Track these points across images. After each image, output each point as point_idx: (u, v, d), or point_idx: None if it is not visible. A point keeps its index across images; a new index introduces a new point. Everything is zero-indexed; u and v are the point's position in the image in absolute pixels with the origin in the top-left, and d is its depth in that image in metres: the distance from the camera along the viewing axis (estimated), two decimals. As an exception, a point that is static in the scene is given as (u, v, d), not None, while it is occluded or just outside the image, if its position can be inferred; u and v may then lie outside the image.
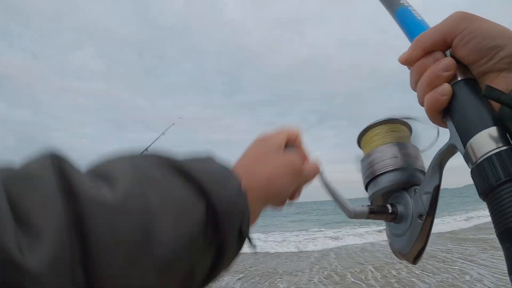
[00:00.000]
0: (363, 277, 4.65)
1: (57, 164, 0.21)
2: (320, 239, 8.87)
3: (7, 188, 0.18)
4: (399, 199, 0.39)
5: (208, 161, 0.31)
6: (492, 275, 4.16)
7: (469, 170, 0.29)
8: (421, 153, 0.42)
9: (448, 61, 0.32)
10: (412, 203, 0.37)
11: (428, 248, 0.38)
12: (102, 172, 0.23)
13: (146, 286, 0.22)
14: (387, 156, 0.41)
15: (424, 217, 0.35)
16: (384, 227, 0.42)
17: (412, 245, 0.36)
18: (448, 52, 0.33)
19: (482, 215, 10.62)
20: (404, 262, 0.40)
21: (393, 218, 0.39)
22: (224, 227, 0.27)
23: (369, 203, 0.42)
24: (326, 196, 0.43)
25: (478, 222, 9.67)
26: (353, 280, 4.54)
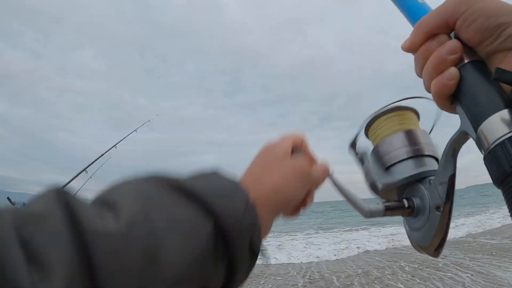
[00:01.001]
0: None
1: (62, 200, 0.22)
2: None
3: (18, 228, 0.19)
4: (414, 191, 0.38)
5: (213, 177, 0.31)
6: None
7: (482, 157, 0.28)
8: (431, 137, 0.42)
9: (453, 43, 0.31)
10: (428, 194, 0.36)
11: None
12: (106, 200, 0.24)
13: None
14: (397, 146, 0.40)
15: (441, 208, 0.34)
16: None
17: (432, 237, 0.36)
18: (452, 34, 0.32)
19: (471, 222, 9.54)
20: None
21: (411, 212, 0.38)
22: (234, 242, 0.27)
23: (381, 197, 0.42)
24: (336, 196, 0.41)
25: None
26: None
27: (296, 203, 0.38)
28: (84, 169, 3.65)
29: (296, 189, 0.37)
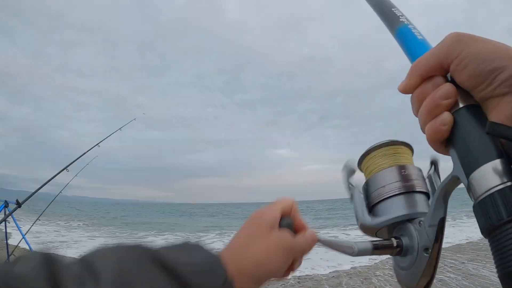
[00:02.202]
0: None
1: (45, 265, 0.23)
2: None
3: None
4: (403, 231, 0.38)
5: (194, 251, 0.32)
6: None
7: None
8: (423, 172, 0.41)
9: (447, 88, 0.30)
10: (417, 235, 0.36)
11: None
12: (90, 265, 0.25)
13: None
14: (388, 181, 0.40)
15: (430, 250, 0.34)
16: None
17: (419, 278, 0.35)
18: (449, 75, 0.31)
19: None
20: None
21: (399, 252, 0.38)
22: None
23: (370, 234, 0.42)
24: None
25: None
26: None
27: (278, 274, 0.39)
28: (65, 168, 3.58)
29: (278, 263, 0.38)
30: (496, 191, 0.25)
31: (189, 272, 0.28)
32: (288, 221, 0.41)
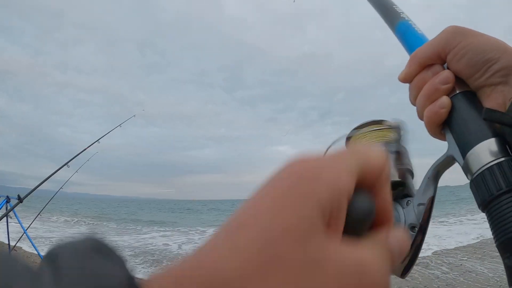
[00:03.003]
0: None
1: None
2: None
3: None
4: None
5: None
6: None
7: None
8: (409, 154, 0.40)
9: (446, 74, 0.32)
10: (404, 214, 0.36)
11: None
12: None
13: None
14: None
15: (416, 229, 0.34)
16: None
17: (406, 255, 0.34)
18: (446, 65, 0.33)
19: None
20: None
21: None
22: None
23: None
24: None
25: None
26: None
27: None
28: (66, 163, 3.59)
29: None
30: (494, 164, 0.26)
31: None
32: (367, 206, 0.17)
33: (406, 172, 0.38)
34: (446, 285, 4.23)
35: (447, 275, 4.59)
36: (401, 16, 0.42)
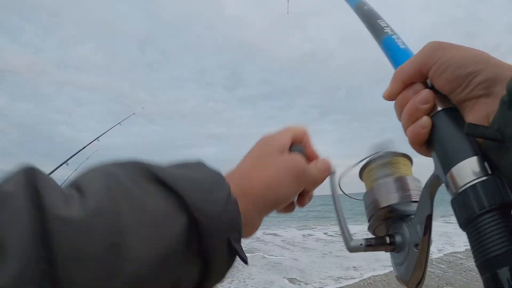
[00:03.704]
0: None
1: (30, 181, 0.21)
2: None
3: None
4: (397, 229, 0.40)
5: (195, 167, 0.30)
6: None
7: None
8: (420, 182, 0.42)
9: (425, 93, 0.32)
10: (409, 232, 0.37)
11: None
12: (78, 183, 0.23)
13: None
14: (386, 192, 0.41)
15: (419, 246, 0.36)
16: None
17: (412, 273, 0.37)
18: (429, 81, 0.33)
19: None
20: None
21: (393, 248, 0.39)
22: (209, 241, 0.26)
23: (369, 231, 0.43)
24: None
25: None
26: None
27: (287, 201, 0.36)
28: (65, 162, 3.60)
29: (289, 188, 0.34)
30: (476, 183, 0.26)
31: (188, 189, 0.25)
32: (299, 148, 0.38)
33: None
34: (446, 283, 4.24)
35: (446, 274, 4.60)
36: (385, 31, 0.42)
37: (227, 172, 0.34)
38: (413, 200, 0.40)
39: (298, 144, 0.38)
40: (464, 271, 4.73)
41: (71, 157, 3.76)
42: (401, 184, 0.41)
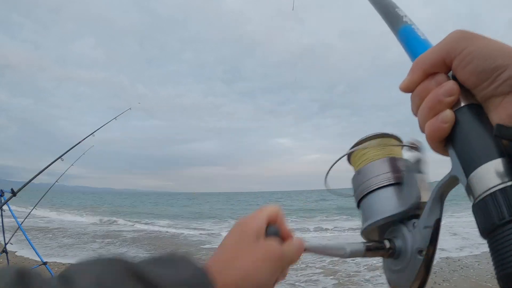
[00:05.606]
0: None
1: (23, 283, 0.23)
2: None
3: None
4: (396, 233, 0.37)
5: (180, 265, 0.31)
6: None
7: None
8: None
9: (450, 85, 0.29)
10: (411, 237, 0.35)
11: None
12: (68, 282, 0.25)
13: None
14: (378, 172, 0.39)
15: (424, 252, 0.33)
16: None
17: (413, 281, 0.34)
18: (451, 73, 0.30)
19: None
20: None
21: (391, 254, 0.37)
22: None
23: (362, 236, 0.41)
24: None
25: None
26: None
27: (267, 286, 0.37)
28: (60, 157, 3.57)
29: (267, 275, 0.36)
30: (497, 190, 0.24)
31: None
32: (275, 230, 0.39)
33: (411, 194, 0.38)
34: (443, 280, 4.25)
35: (443, 270, 4.62)
36: (404, 20, 0.40)
37: (208, 262, 0.36)
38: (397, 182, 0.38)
39: (273, 225, 0.40)
40: (461, 268, 4.75)
41: (66, 152, 3.73)
42: (393, 164, 0.39)
